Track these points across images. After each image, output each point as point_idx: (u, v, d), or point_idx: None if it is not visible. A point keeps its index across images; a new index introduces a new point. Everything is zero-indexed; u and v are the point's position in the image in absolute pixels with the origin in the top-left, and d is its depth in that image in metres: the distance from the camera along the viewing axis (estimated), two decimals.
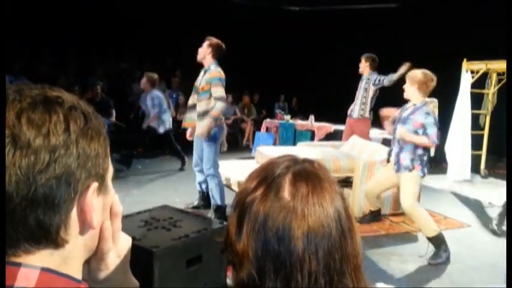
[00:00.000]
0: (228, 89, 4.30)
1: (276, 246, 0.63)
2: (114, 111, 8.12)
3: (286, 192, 0.66)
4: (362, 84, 5.96)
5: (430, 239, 3.64)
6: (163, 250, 2.09)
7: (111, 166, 0.62)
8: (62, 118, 0.53)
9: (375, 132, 6.96)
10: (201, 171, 4.47)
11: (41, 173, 0.51)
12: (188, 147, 4.79)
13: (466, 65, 6.74)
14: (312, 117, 8.35)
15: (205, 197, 4.64)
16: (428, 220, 3.65)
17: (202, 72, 4.38)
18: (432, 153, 5.66)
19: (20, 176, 0.50)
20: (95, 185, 0.57)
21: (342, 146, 5.73)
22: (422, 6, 8.97)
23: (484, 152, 7.27)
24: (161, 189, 5.50)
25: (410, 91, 3.67)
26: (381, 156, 4.70)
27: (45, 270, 0.53)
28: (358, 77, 6.04)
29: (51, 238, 0.54)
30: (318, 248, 0.64)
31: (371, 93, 5.87)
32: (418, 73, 3.65)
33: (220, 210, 4.32)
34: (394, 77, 5.47)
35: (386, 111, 4.07)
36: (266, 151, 5.57)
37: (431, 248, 3.64)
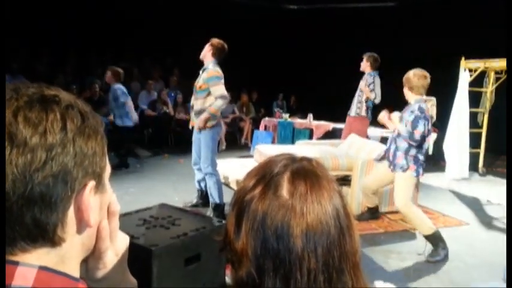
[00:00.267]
0: (226, 88, 4.29)
1: (275, 244, 0.63)
2: None
3: (284, 191, 0.66)
4: (360, 83, 5.98)
5: (426, 237, 3.64)
6: (162, 249, 2.09)
7: (108, 165, 0.61)
8: (59, 117, 0.53)
9: (373, 131, 6.97)
10: (200, 169, 4.47)
11: (38, 171, 0.50)
12: (188, 145, 4.79)
13: (464, 64, 6.75)
14: (310, 115, 8.35)
15: (203, 196, 4.64)
16: (422, 219, 3.65)
17: (201, 71, 4.39)
18: (430, 151, 5.69)
19: (16, 175, 0.49)
20: (92, 183, 0.56)
21: (341, 145, 5.73)
22: (421, 6, 8.98)
23: (482, 150, 7.29)
24: (160, 188, 5.50)
25: (406, 92, 3.73)
26: (379, 155, 4.71)
27: (42, 268, 0.53)
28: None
29: (48, 237, 0.53)
30: (317, 245, 0.64)
31: (364, 92, 5.89)
32: (409, 73, 3.69)
33: (218, 208, 4.32)
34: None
35: (382, 117, 4.07)
36: (265, 149, 5.58)
37: (429, 246, 3.65)
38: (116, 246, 0.66)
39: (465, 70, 6.76)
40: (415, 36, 8.39)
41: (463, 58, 6.74)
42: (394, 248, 3.87)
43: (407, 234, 4.24)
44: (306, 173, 0.68)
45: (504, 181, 6.52)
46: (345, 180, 4.90)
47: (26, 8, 8.34)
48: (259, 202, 0.66)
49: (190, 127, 4.53)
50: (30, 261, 0.53)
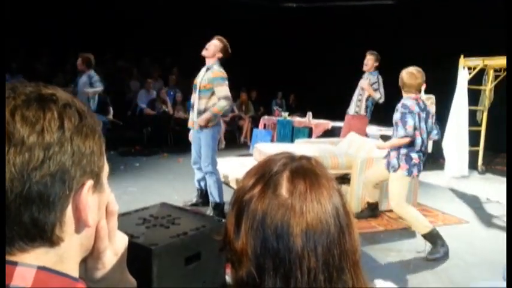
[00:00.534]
0: None
1: (274, 243, 0.63)
2: (111, 109, 8.10)
3: (284, 190, 0.66)
4: (361, 82, 5.96)
5: (424, 236, 3.63)
6: (162, 248, 2.09)
7: (106, 164, 0.61)
8: (57, 115, 0.53)
9: (372, 129, 6.97)
10: (200, 168, 4.47)
11: (35, 170, 0.50)
12: (187, 145, 4.78)
13: (463, 62, 6.75)
14: (309, 114, 8.35)
15: (203, 195, 4.63)
16: (417, 218, 3.65)
17: (204, 70, 4.35)
18: (430, 149, 5.68)
19: (14, 174, 0.49)
20: (90, 182, 0.56)
21: (340, 143, 5.73)
22: (421, 4, 8.98)
23: (481, 148, 7.29)
24: (159, 187, 5.49)
25: (402, 91, 3.71)
26: (378, 153, 4.71)
27: (41, 268, 0.53)
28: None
29: (46, 236, 0.53)
30: (317, 244, 0.64)
31: (367, 92, 5.88)
32: (402, 73, 3.69)
33: (218, 207, 4.32)
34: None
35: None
36: (264, 148, 5.58)
37: (429, 244, 3.65)
38: (115, 246, 0.66)
39: (464, 68, 6.76)
40: (414, 35, 8.39)
41: (462, 56, 6.74)
42: (394, 246, 3.87)
43: (406, 233, 4.24)
44: (305, 172, 0.68)
45: (503, 179, 6.53)
46: (344, 179, 4.91)
47: (26, 8, 8.34)
48: (258, 201, 0.65)
49: (188, 126, 4.52)
50: (29, 261, 0.52)
